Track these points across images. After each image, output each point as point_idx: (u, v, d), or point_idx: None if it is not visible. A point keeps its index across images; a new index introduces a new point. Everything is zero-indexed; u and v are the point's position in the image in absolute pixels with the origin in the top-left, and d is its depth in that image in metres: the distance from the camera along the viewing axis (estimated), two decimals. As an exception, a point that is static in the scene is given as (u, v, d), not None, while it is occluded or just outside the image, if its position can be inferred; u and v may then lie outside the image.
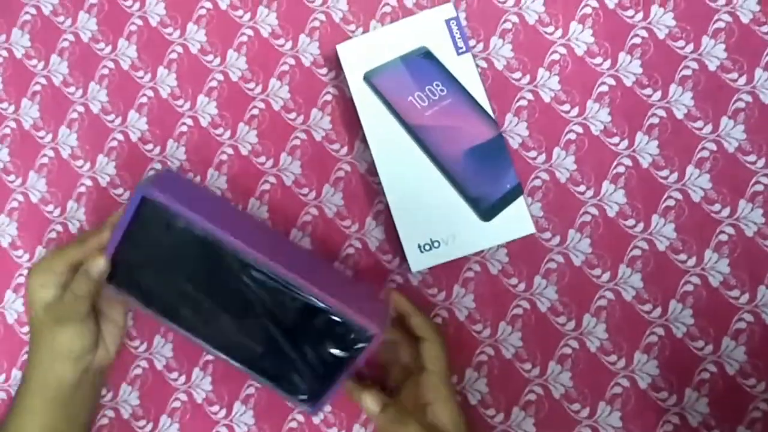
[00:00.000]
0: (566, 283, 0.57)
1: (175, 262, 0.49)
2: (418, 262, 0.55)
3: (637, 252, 0.57)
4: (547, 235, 0.58)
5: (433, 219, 0.55)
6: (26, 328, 0.61)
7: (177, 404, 0.59)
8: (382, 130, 0.56)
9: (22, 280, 0.62)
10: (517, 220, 0.54)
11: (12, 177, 0.63)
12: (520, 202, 0.54)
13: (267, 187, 0.61)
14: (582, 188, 0.58)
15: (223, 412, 0.59)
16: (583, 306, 0.57)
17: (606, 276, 0.57)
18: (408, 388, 0.52)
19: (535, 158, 0.58)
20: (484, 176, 0.55)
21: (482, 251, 0.58)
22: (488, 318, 0.58)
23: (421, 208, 0.55)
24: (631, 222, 0.57)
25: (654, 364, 0.56)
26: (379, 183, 0.60)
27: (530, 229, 0.54)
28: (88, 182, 0.62)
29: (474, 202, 0.54)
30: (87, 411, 0.55)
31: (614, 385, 0.56)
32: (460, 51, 0.56)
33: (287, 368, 0.50)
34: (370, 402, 0.49)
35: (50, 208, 0.62)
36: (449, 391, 0.51)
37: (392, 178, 0.55)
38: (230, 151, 0.62)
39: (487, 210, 0.54)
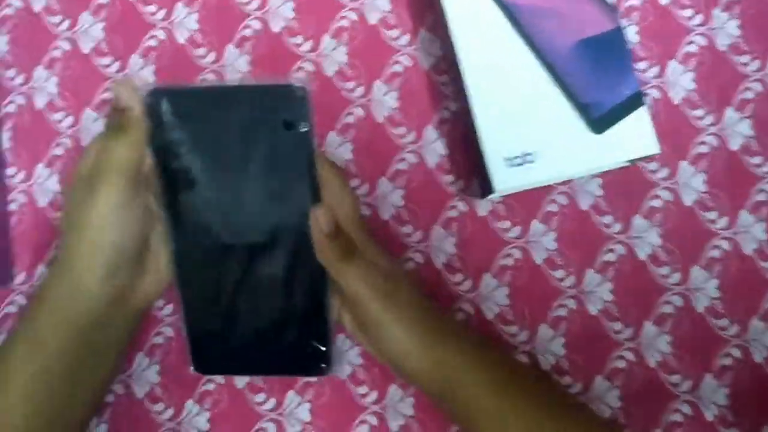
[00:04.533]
0: (672, 226, 0.42)
1: None
2: (504, 180, 0.38)
3: (762, 197, 0.42)
4: (653, 165, 0.43)
5: (528, 127, 0.39)
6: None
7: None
8: (469, 12, 0.39)
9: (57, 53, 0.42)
10: (636, 136, 0.39)
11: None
12: (641, 114, 0.39)
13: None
14: (700, 112, 0.43)
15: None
16: (693, 255, 0.42)
17: (723, 221, 0.42)
18: None
19: (644, 71, 0.43)
20: (597, 77, 0.39)
21: (570, 180, 0.43)
22: (572, 263, 0.42)
23: (512, 113, 0.39)
24: (757, 159, 0.42)
25: (773, 333, 0.41)
26: (447, 84, 0.43)
27: (653, 147, 0.39)
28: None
29: (584, 109, 0.39)
30: (111, 362, 0.36)
31: (725, 355, 0.41)
32: None
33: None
34: (322, 217, 0.32)
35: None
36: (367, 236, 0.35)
37: (478, 73, 0.39)
38: (258, 25, 0.44)
39: (600, 119, 0.39)
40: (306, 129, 0.31)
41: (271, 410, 0.40)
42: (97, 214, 0.31)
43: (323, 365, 0.35)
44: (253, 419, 0.40)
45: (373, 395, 0.40)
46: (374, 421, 0.40)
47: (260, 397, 0.40)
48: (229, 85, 0.38)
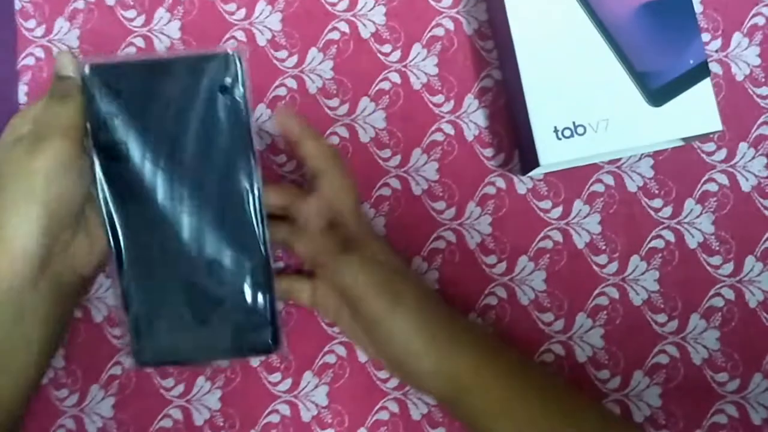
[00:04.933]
0: (728, 212, 0.39)
1: None
2: (551, 152, 0.35)
3: (828, 183, 0.39)
4: (710, 146, 0.39)
5: (580, 97, 0.36)
6: None
7: None
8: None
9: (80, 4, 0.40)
10: (697, 111, 0.35)
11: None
12: (704, 87, 0.36)
13: (335, 36, 0.41)
14: (765, 90, 0.39)
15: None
16: (747, 245, 0.39)
17: (783, 210, 0.39)
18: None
19: (707, 43, 0.40)
20: (659, 45, 0.36)
21: (619, 159, 0.40)
22: (617, 248, 0.39)
23: (563, 81, 0.36)
24: (824, 143, 0.39)
25: (832, 334, 0.38)
26: (491, 50, 0.40)
27: (716, 124, 0.35)
28: None
29: (641, 79, 0.35)
30: (42, 344, 0.32)
31: (777, 355, 0.38)
32: None
33: None
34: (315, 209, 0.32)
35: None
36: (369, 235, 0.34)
37: (528, 36, 0.36)
38: (291, -19, 0.41)
39: (659, 91, 0.35)
40: (241, 97, 0.31)
41: (286, 391, 0.38)
42: (39, 169, 0.29)
43: (270, 344, 0.33)
44: (268, 400, 0.37)
45: (395, 380, 0.37)
46: (395, 407, 0.37)
47: (275, 377, 0.38)
48: (162, 56, 0.36)
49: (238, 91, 0.31)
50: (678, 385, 0.37)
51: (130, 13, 0.41)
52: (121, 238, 0.32)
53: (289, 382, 0.38)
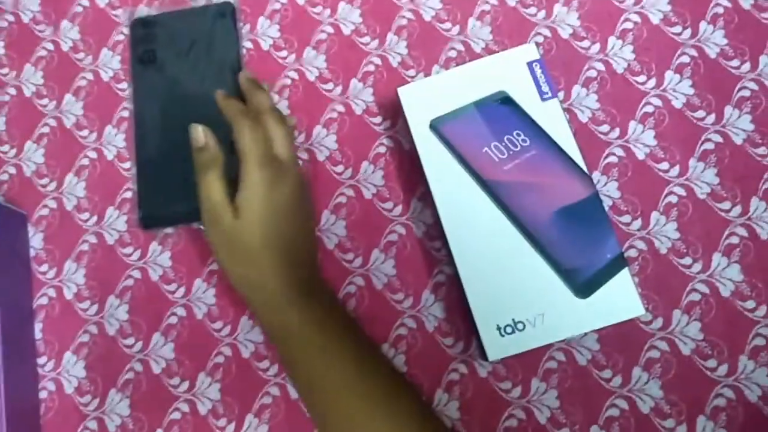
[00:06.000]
0: (673, 376, 0.43)
1: None
2: (497, 348, 0.40)
3: (760, 341, 0.43)
4: (647, 316, 0.44)
5: (516, 295, 0.41)
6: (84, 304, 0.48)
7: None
8: (451, 188, 0.43)
9: (85, 246, 0.48)
10: (621, 299, 0.40)
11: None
12: (624, 276, 0.40)
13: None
14: (688, 260, 0.44)
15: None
16: (697, 406, 0.42)
17: (723, 369, 0.42)
18: None
19: (628, 224, 0.45)
20: (578, 243, 0.41)
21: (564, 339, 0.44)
22: (576, 421, 0.43)
23: (500, 282, 0.41)
24: (750, 304, 0.43)
25: (792, 486, 0.40)
26: (440, 249, 0.46)
27: (638, 309, 0.40)
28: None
29: (567, 275, 0.41)
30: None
31: None
32: (545, 96, 0.43)
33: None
34: (198, 132, 0.41)
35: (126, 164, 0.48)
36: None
37: (464, 245, 0.42)
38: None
39: (585, 284, 0.40)
40: (232, 22, 0.49)
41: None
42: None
43: None
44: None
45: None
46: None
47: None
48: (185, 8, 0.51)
49: (230, 20, 0.49)
50: None
51: (128, 250, 0.47)
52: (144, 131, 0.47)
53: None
